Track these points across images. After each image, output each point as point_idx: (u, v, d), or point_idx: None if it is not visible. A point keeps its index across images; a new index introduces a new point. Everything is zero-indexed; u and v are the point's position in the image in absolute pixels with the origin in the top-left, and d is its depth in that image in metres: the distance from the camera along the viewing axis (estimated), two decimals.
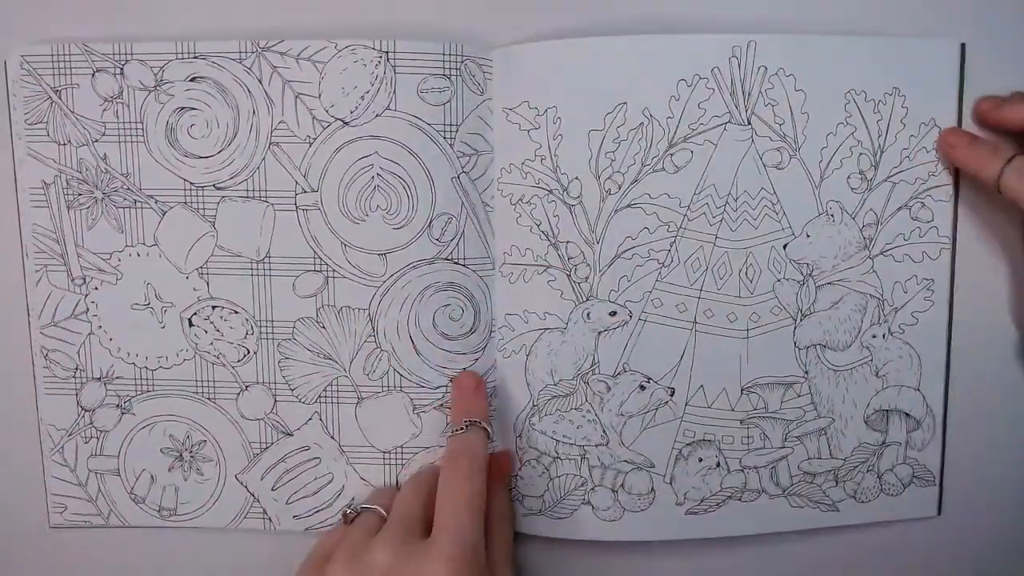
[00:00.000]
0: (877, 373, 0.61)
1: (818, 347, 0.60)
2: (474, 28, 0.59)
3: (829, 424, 0.61)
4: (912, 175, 0.59)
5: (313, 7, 0.59)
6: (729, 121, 0.57)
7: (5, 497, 0.64)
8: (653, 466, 0.61)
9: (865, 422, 0.61)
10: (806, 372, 0.60)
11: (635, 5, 0.59)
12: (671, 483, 0.61)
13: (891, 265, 0.59)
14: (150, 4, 0.60)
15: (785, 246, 0.59)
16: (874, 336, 0.60)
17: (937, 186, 0.59)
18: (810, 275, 0.59)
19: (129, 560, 0.64)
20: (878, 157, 0.58)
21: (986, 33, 0.58)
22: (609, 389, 0.60)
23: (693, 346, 0.60)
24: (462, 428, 0.57)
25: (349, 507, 0.58)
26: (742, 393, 0.60)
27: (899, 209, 0.59)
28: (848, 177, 0.58)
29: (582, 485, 0.61)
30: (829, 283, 0.59)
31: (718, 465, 0.61)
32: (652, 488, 0.61)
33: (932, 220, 0.59)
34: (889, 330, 0.60)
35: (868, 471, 0.61)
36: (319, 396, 0.60)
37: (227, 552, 0.64)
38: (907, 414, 0.61)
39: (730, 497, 0.61)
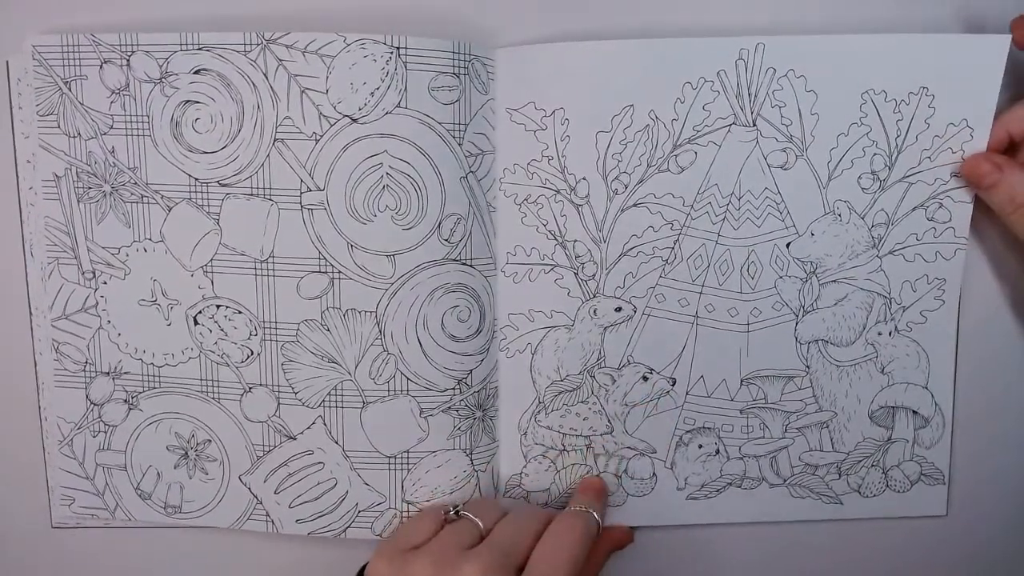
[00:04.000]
0: (883, 370, 0.58)
1: (820, 342, 0.58)
2: (477, 28, 0.56)
3: (831, 418, 0.59)
4: (932, 175, 0.56)
5: None
6: (733, 123, 0.55)
7: (6, 496, 0.61)
8: (655, 451, 0.59)
9: (870, 417, 0.59)
10: (807, 366, 0.58)
11: (643, 9, 0.56)
12: (672, 468, 0.59)
13: (901, 264, 0.57)
14: None
15: (788, 244, 0.56)
16: (879, 333, 0.58)
17: (958, 187, 0.56)
18: (813, 272, 0.57)
19: (130, 562, 0.62)
20: (894, 158, 0.55)
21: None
22: (614, 381, 0.58)
23: (694, 339, 0.57)
24: (582, 508, 0.56)
25: (451, 508, 0.56)
26: (742, 384, 0.58)
27: (914, 209, 0.56)
28: (859, 177, 0.55)
29: (587, 473, 0.59)
30: (834, 280, 0.57)
31: (717, 452, 0.59)
32: (653, 473, 0.59)
33: (949, 221, 0.56)
34: (896, 328, 0.57)
35: (873, 466, 0.59)
36: (323, 400, 0.56)
37: (226, 556, 0.61)
38: (914, 411, 0.59)
39: (730, 484, 0.59)
